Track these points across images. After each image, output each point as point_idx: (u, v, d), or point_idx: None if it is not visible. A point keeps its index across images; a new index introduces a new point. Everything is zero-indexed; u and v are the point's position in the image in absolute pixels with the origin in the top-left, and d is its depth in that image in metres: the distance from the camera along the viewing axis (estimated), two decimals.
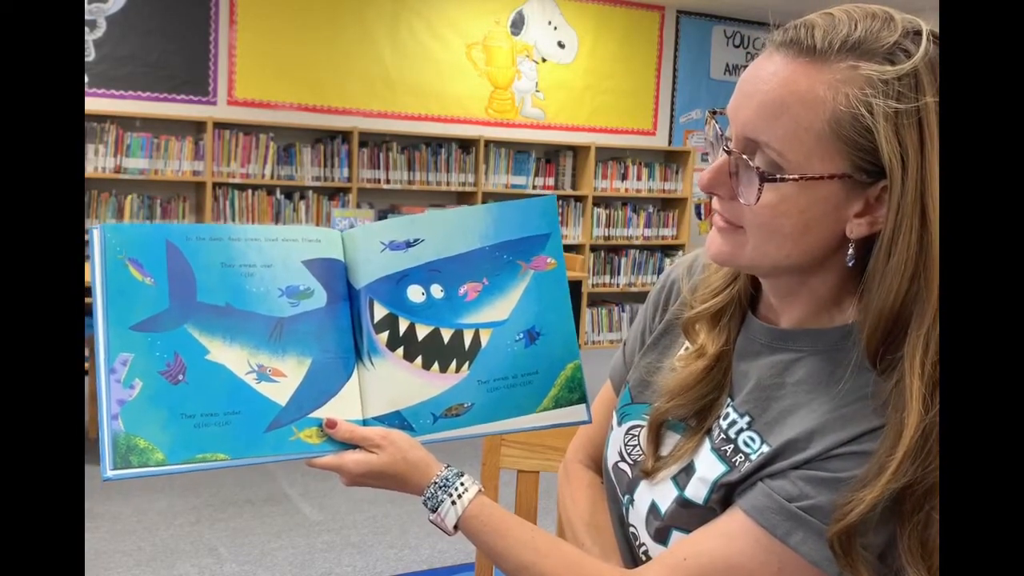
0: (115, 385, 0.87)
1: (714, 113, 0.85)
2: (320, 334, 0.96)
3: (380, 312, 0.98)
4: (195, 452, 0.88)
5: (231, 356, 0.92)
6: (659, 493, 0.92)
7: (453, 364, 0.99)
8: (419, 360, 0.98)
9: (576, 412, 1.03)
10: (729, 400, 0.90)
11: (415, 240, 1.00)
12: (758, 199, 0.79)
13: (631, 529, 0.97)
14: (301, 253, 0.98)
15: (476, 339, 1.00)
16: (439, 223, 1.02)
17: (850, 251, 0.80)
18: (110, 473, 0.85)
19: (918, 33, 0.76)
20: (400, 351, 0.98)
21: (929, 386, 0.75)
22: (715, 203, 0.85)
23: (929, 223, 0.74)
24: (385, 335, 0.98)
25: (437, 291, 1.00)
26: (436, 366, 0.99)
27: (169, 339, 0.90)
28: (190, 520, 3.10)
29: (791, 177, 0.77)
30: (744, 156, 0.80)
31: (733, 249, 0.84)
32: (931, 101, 0.74)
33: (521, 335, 1.01)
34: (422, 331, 0.99)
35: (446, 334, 0.99)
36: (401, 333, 0.98)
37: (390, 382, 0.97)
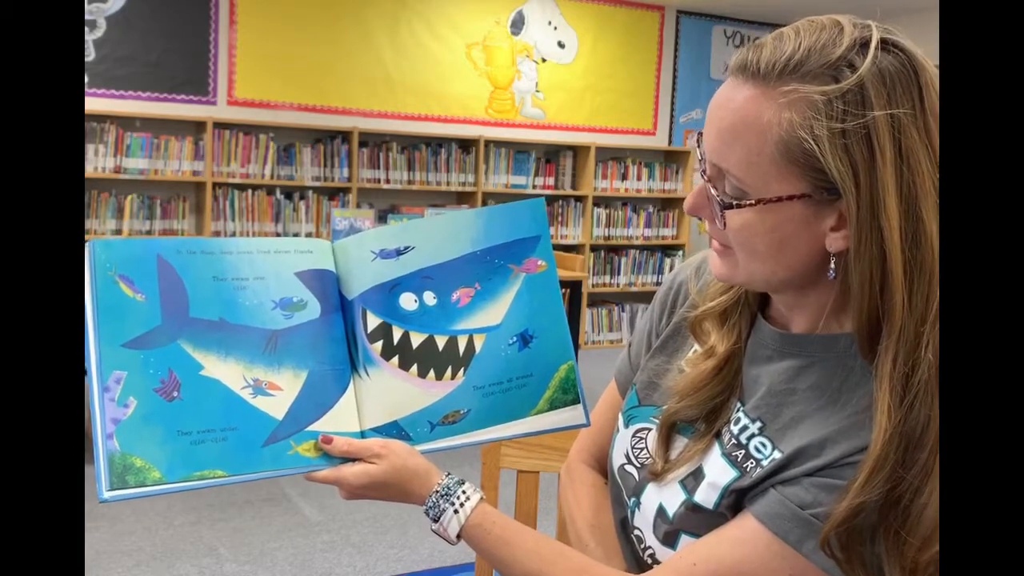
0: (109, 404, 0.86)
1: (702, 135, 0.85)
2: (315, 346, 0.96)
3: (374, 322, 0.98)
4: (193, 469, 0.88)
5: (226, 371, 0.92)
6: (667, 496, 0.91)
7: (448, 371, 0.99)
8: (414, 368, 0.98)
9: (573, 415, 1.02)
10: (739, 404, 0.89)
11: (405, 248, 1.00)
12: (725, 224, 0.81)
13: (635, 532, 0.96)
14: (293, 265, 0.97)
15: (470, 345, 1.00)
16: (429, 230, 1.01)
17: (831, 264, 0.80)
18: (107, 494, 0.84)
19: (865, 44, 0.75)
20: (395, 360, 0.98)
21: (896, 401, 0.75)
22: (707, 225, 0.87)
23: (886, 239, 0.74)
24: (379, 344, 0.97)
25: (430, 298, 1.00)
26: (432, 374, 0.98)
27: (163, 356, 0.89)
28: (190, 520, 3.10)
29: (747, 203, 0.78)
30: (711, 182, 0.81)
31: (729, 270, 0.86)
32: (880, 115, 0.73)
33: (514, 339, 1.01)
34: (416, 339, 0.98)
35: (440, 341, 0.99)
36: (395, 342, 0.98)
37: (386, 392, 0.97)
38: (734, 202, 0.79)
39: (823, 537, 0.77)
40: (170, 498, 3.24)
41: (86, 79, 4.89)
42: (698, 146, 0.84)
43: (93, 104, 4.89)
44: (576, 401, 1.02)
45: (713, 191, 0.81)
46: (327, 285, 0.98)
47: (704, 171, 0.83)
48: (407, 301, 0.99)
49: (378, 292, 0.98)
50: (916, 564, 0.75)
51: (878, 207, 0.74)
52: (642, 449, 0.97)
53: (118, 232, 5.00)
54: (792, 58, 0.76)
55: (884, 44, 0.75)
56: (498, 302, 1.01)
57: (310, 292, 0.97)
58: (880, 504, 0.75)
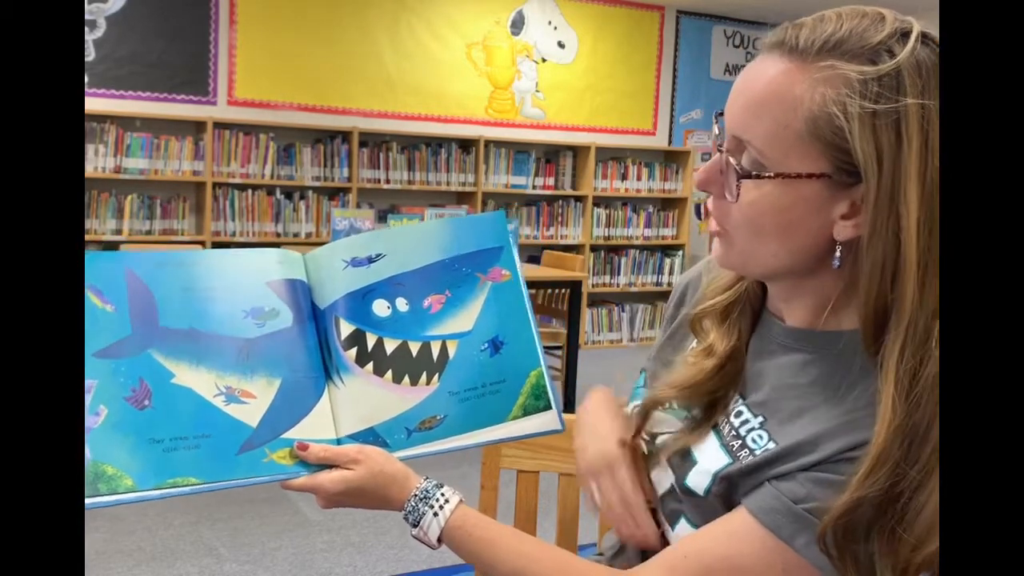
0: None
1: (720, 114, 0.85)
2: (288, 354, 0.96)
3: (347, 329, 0.98)
4: (165, 477, 0.89)
5: (198, 379, 0.92)
6: (658, 477, 0.93)
7: (423, 376, 0.99)
8: (389, 374, 0.98)
9: (547, 421, 1.03)
10: (740, 398, 0.90)
11: (377, 255, 1.01)
12: (738, 196, 0.80)
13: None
14: (264, 275, 0.98)
15: (444, 350, 1.00)
16: (399, 238, 1.03)
17: (836, 253, 0.79)
18: None
19: (906, 34, 0.76)
20: (370, 366, 0.98)
21: (901, 395, 0.74)
22: (709, 204, 0.86)
23: (903, 227, 0.74)
24: (354, 351, 0.98)
25: (402, 304, 1.00)
26: (406, 379, 0.99)
27: (133, 365, 0.90)
28: (190, 520, 3.10)
29: (767, 175, 0.78)
30: (730, 154, 0.81)
31: (726, 252, 0.85)
32: (912, 103, 0.74)
33: (486, 345, 1.02)
34: (390, 345, 0.99)
35: (414, 347, 1.00)
36: (369, 348, 0.98)
37: (362, 398, 0.97)
38: (753, 172, 0.79)
39: (821, 531, 0.76)
40: (170, 498, 3.24)
41: (86, 79, 4.89)
42: (717, 123, 0.84)
43: (93, 104, 4.89)
44: (548, 407, 1.03)
45: (732, 160, 0.80)
46: (299, 294, 0.99)
47: (721, 144, 0.82)
48: (380, 307, 1.00)
49: (351, 300, 0.99)
50: (908, 564, 0.74)
51: (898, 193, 0.74)
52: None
53: (118, 232, 5.00)
54: (832, 36, 0.76)
55: (924, 38, 0.77)
56: (468, 309, 1.02)
57: (281, 301, 0.98)
58: (879, 500, 0.74)
